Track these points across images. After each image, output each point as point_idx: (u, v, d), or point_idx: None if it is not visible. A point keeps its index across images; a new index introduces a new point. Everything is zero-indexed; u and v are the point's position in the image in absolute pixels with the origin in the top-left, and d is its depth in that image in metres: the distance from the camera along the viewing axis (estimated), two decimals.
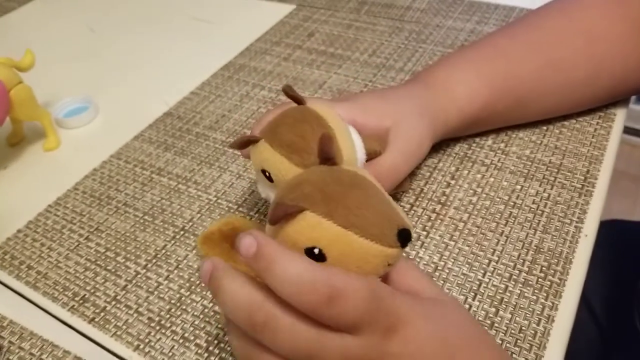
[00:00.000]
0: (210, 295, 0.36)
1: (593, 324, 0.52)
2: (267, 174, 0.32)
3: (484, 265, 0.36)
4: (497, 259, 0.36)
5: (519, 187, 0.41)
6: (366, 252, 0.25)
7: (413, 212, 0.40)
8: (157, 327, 0.35)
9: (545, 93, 0.42)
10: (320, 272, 0.23)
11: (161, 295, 0.37)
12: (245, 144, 0.32)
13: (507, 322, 0.33)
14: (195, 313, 0.36)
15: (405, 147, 0.37)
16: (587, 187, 0.40)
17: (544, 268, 0.35)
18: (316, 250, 0.25)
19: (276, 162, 0.31)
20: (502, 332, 0.32)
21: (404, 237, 0.26)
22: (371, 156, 0.35)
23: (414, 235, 0.38)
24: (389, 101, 0.38)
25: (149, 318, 0.36)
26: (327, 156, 0.27)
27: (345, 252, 0.25)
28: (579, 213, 0.38)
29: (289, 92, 0.33)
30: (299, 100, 0.34)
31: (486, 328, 0.33)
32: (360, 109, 0.37)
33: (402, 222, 0.26)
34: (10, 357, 0.35)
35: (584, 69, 0.41)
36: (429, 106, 0.39)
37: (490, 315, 0.33)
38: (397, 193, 0.41)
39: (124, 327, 0.36)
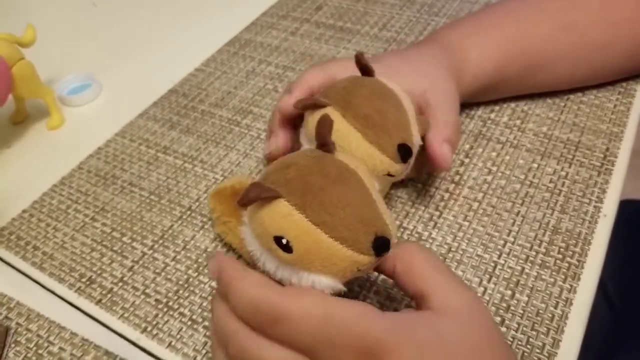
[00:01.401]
0: None
1: (606, 307, 0.52)
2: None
3: (500, 247, 0.35)
4: (513, 239, 0.35)
5: (535, 165, 0.39)
6: (332, 254, 0.24)
7: (425, 191, 0.39)
8: (165, 309, 0.35)
9: (558, 56, 0.41)
10: (269, 296, 0.23)
11: (168, 277, 0.36)
12: (311, 106, 0.31)
13: (524, 305, 0.32)
14: (203, 294, 0.35)
15: (454, 104, 0.36)
16: (607, 165, 0.39)
17: (561, 249, 0.34)
18: (284, 241, 0.24)
19: (348, 134, 0.30)
20: (519, 316, 0.31)
21: (380, 245, 0.24)
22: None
23: (426, 215, 0.37)
24: (415, 63, 0.38)
25: (157, 300, 0.35)
26: (323, 142, 0.26)
27: (311, 249, 0.24)
28: (598, 192, 0.37)
29: (361, 60, 0.32)
30: (369, 71, 0.32)
31: (502, 311, 0.32)
32: (392, 72, 0.36)
33: (382, 229, 0.25)
34: (18, 339, 0.34)
35: (599, 32, 0.40)
36: (449, 67, 0.38)
37: (506, 298, 0.32)
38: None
39: (131, 308, 0.35)
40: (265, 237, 0.25)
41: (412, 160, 0.32)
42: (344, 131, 0.30)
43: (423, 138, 0.34)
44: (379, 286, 0.34)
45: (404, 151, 0.31)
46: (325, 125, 0.26)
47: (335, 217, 0.24)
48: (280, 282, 0.26)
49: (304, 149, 0.27)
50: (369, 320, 0.23)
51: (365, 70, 0.32)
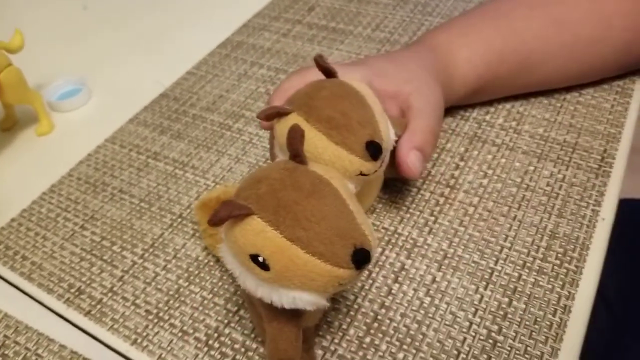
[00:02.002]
0: (210, 286, 0.35)
1: (604, 311, 0.51)
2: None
3: (496, 252, 0.34)
4: (509, 245, 0.34)
5: (532, 168, 0.39)
6: (311, 270, 0.23)
7: (420, 196, 0.38)
8: (155, 320, 0.34)
9: (550, 54, 0.40)
10: None
11: (159, 287, 0.36)
12: (273, 115, 0.30)
13: (521, 313, 0.31)
14: (195, 305, 0.34)
15: (435, 110, 0.36)
16: (604, 167, 0.38)
17: (559, 255, 0.34)
18: (260, 259, 0.24)
19: (313, 138, 0.29)
20: (516, 324, 0.31)
21: (359, 258, 0.23)
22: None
23: (421, 220, 0.36)
24: (401, 66, 0.37)
25: (147, 310, 0.34)
26: (295, 152, 0.25)
27: (288, 266, 0.23)
28: (596, 195, 0.36)
29: (320, 63, 0.31)
30: (330, 73, 0.32)
31: (499, 319, 0.31)
32: (377, 74, 0.35)
33: (361, 241, 0.24)
34: (6, 352, 0.34)
35: (591, 27, 0.40)
36: (436, 70, 0.37)
37: (503, 306, 0.32)
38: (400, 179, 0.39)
39: (121, 320, 0.34)
40: (241, 256, 0.24)
41: (385, 157, 0.31)
42: (308, 135, 0.29)
43: None
44: (373, 294, 0.33)
45: (372, 148, 0.30)
46: (295, 136, 0.25)
47: (310, 232, 0.23)
48: (261, 300, 0.25)
49: (277, 161, 0.27)
50: None
51: (327, 72, 0.32)
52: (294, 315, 0.26)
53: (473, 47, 0.39)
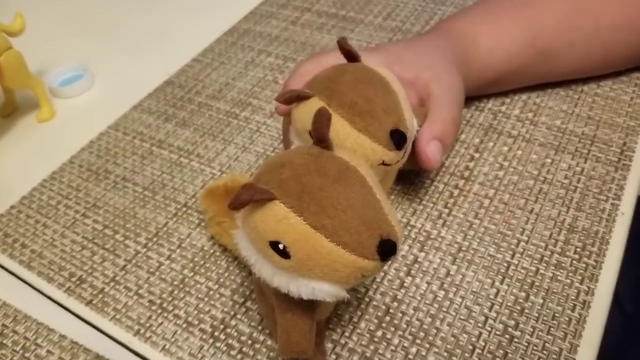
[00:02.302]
0: (215, 277, 0.34)
1: (616, 310, 0.50)
2: None
3: (513, 246, 0.33)
4: (526, 239, 0.33)
5: (549, 160, 0.37)
6: (334, 260, 0.22)
7: (434, 187, 0.37)
8: (159, 311, 0.33)
9: (572, 42, 0.39)
10: None
11: (163, 276, 0.34)
12: (293, 99, 0.29)
13: (539, 308, 0.30)
14: (200, 295, 0.33)
15: (456, 97, 0.34)
16: (624, 160, 0.37)
17: (578, 249, 0.32)
18: (281, 246, 0.22)
19: (335, 124, 0.28)
20: (534, 319, 0.30)
21: (385, 249, 0.22)
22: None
23: (435, 212, 0.35)
24: (420, 53, 0.36)
25: (150, 301, 0.33)
26: (321, 137, 0.24)
27: (310, 255, 0.22)
28: (616, 189, 0.35)
29: (343, 45, 0.30)
30: (354, 56, 0.30)
31: (516, 314, 0.30)
32: (394, 60, 0.34)
33: (387, 232, 0.22)
34: (4, 341, 0.32)
35: (613, 14, 0.38)
36: (456, 58, 0.36)
37: (520, 301, 0.30)
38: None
39: (123, 310, 0.33)
40: (260, 243, 0.23)
41: (408, 147, 0.30)
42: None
43: None
44: (385, 287, 0.32)
45: (397, 137, 0.29)
46: (322, 120, 0.24)
47: (336, 220, 0.22)
48: (276, 290, 0.24)
49: (300, 146, 0.25)
50: None
51: (350, 55, 0.30)
52: (309, 306, 0.25)
53: (492, 36, 0.38)
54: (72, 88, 0.50)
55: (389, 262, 0.24)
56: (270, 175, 0.23)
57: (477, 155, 0.39)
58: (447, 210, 0.35)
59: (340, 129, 0.28)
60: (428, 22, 0.51)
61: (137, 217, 0.38)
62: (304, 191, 0.22)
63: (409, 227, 0.35)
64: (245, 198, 0.22)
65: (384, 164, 0.29)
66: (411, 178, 0.38)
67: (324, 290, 0.23)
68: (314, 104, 0.28)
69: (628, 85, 0.42)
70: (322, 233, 0.22)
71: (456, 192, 0.36)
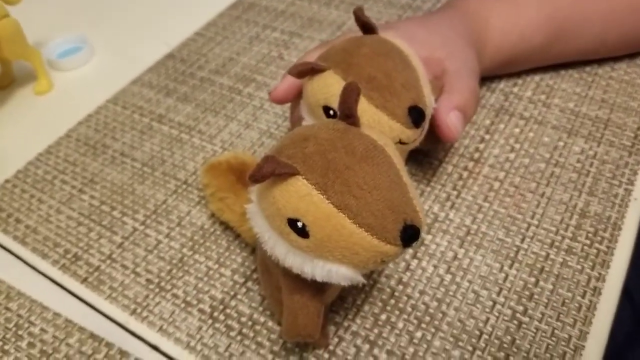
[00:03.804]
0: (215, 256, 0.33)
1: (625, 301, 0.49)
2: (332, 112, 0.27)
3: (523, 230, 0.32)
4: (537, 223, 0.32)
5: (561, 143, 0.36)
6: (355, 243, 0.21)
7: (442, 169, 0.36)
8: (156, 290, 0.32)
9: (586, 21, 0.38)
10: None
11: (161, 255, 0.33)
12: (307, 72, 0.27)
13: (549, 293, 0.29)
14: (199, 275, 0.32)
15: (473, 71, 0.33)
16: (638, 145, 0.36)
17: (589, 234, 0.31)
18: (300, 224, 0.21)
19: None
20: (543, 305, 0.29)
21: (409, 235, 0.21)
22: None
23: (443, 194, 0.34)
24: (433, 31, 0.35)
25: (148, 279, 0.32)
26: (348, 112, 0.23)
27: (331, 236, 0.21)
28: (629, 174, 0.34)
29: (360, 16, 0.28)
30: (371, 28, 0.29)
31: (524, 299, 0.29)
32: (408, 39, 0.33)
33: (412, 217, 0.21)
34: None
35: None
36: (468, 36, 0.35)
37: (530, 286, 0.30)
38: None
39: (120, 288, 0.32)
40: (278, 219, 0.22)
41: (426, 125, 0.29)
42: None
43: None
44: (390, 270, 0.31)
45: (415, 114, 0.27)
46: (351, 94, 0.22)
47: (361, 201, 0.21)
48: (288, 269, 0.23)
49: (325, 121, 0.24)
50: None
51: (367, 27, 0.29)
52: (320, 289, 0.24)
53: (506, 15, 0.37)
54: (71, 60, 0.49)
55: (410, 249, 0.22)
56: (293, 148, 0.22)
57: (487, 136, 0.37)
58: (455, 193, 0.34)
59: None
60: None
61: (136, 193, 0.37)
62: (329, 168, 0.21)
63: None
64: (267, 171, 0.21)
65: (400, 142, 0.28)
66: (419, 159, 0.36)
67: (341, 274, 0.22)
68: (329, 78, 0.27)
69: None
70: (346, 213, 0.21)
71: (465, 174, 0.35)
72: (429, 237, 0.32)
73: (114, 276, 0.33)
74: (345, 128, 0.23)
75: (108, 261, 0.34)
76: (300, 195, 0.21)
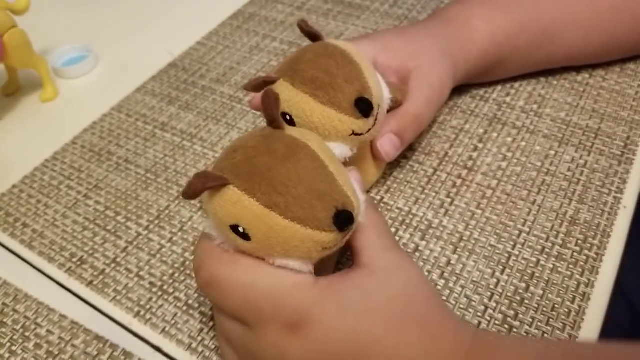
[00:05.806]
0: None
1: (624, 304, 0.50)
2: (289, 117, 0.29)
3: (514, 237, 0.33)
4: (528, 230, 0.33)
5: (553, 152, 0.37)
6: (292, 237, 0.22)
7: (436, 177, 0.37)
8: (159, 293, 0.33)
9: (571, 24, 0.39)
10: (207, 262, 0.25)
11: (164, 259, 0.35)
12: (260, 85, 0.29)
13: (539, 299, 0.30)
14: None
15: (429, 93, 0.34)
16: (627, 154, 0.37)
17: (579, 241, 0.32)
18: (240, 229, 0.23)
19: (300, 102, 0.28)
20: (533, 310, 0.30)
21: (342, 219, 0.23)
22: (394, 104, 0.33)
23: (437, 202, 0.35)
24: (409, 41, 0.36)
25: (151, 283, 0.33)
26: (270, 118, 0.24)
27: (268, 234, 0.22)
28: (618, 182, 0.35)
29: (304, 28, 0.30)
30: (316, 36, 0.31)
31: (515, 304, 0.30)
32: (382, 48, 0.34)
33: (343, 202, 0.23)
34: (4, 320, 0.33)
35: None
36: (449, 45, 0.36)
37: (520, 291, 0.31)
38: (420, 156, 0.38)
39: (124, 291, 0.33)
40: (223, 228, 0.24)
41: (378, 114, 0.30)
42: (295, 99, 0.28)
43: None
44: None
45: (362, 105, 0.28)
46: (269, 101, 0.24)
47: (288, 197, 0.22)
48: None
49: (254, 129, 0.26)
50: (300, 292, 0.23)
51: (312, 36, 0.31)
52: None
53: (490, 18, 0.38)
54: (76, 68, 0.50)
55: (349, 233, 0.24)
56: (225, 161, 0.24)
57: (480, 145, 0.38)
58: (449, 200, 0.35)
59: (305, 105, 0.28)
60: (435, 10, 0.51)
61: (139, 199, 0.38)
62: (255, 173, 0.23)
63: (410, 216, 0.35)
64: (198, 187, 0.22)
65: (354, 133, 0.29)
66: (414, 167, 0.37)
67: (290, 267, 0.23)
68: (280, 87, 0.29)
69: (634, 80, 0.42)
70: (276, 211, 0.22)
71: (459, 182, 0.36)
72: (423, 243, 0.33)
73: (119, 279, 0.34)
74: (270, 133, 0.24)
75: (113, 265, 0.35)
76: (233, 202, 0.23)
